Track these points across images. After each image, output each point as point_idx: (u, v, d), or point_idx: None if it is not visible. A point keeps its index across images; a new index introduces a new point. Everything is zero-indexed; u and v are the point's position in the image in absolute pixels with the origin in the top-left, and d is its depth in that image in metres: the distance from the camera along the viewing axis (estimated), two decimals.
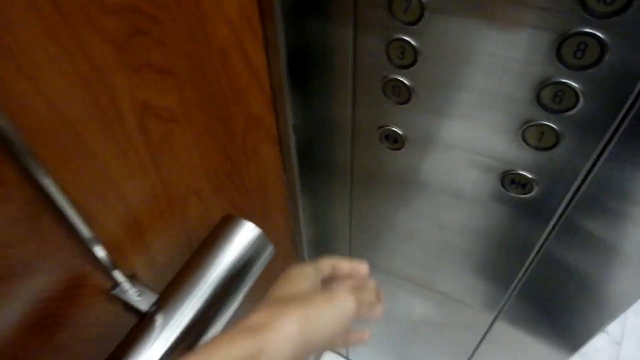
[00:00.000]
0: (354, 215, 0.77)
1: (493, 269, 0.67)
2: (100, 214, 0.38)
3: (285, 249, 0.87)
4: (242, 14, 0.46)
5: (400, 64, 0.49)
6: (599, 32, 0.37)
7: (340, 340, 0.42)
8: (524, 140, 0.48)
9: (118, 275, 0.40)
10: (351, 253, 0.89)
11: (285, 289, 0.36)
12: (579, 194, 0.49)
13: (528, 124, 0.46)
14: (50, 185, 0.31)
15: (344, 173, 0.69)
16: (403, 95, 0.52)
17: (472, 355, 0.90)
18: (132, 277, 0.44)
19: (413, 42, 0.47)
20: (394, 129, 0.57)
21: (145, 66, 0.37)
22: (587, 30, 0.37)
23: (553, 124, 0.45)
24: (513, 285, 0.66)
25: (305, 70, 0.58)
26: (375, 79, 0.53)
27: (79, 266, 0.38)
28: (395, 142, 0.58)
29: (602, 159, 0.45)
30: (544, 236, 0.57)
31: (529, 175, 0.51)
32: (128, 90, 0.36)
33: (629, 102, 0.40)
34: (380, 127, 0.58)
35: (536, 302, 0.67)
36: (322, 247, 0.93)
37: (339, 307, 0.33)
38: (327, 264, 0.41)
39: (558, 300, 0.64)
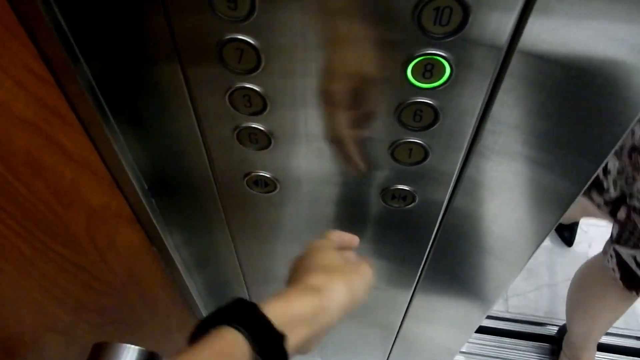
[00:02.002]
0: (243, 260, 0.71)
1: (397, 264, 0.67)
2: None
3: (182, 314, 0.79)
4: (40, 108, 0.36)
5: (250, 111, 0.44)
6: (442, 52, 0.36)
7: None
8: (394, 158, 0.46)
9: None
10: (249, 292, 0.83)
11: (320, 258, 0.43)
12: (455, 195, 0.50)
13: (395, 144, 0.45)
14: None
15: (221, 227, 0.63)
16: (262, 142, 0.47)
17: (397, 333, 0.89)
18: None
19: (257, 89, 0.42)
20: (261, 174, 0.52)
21: None
22: (431, 51, 0.36)
23: (419, 140, 0.44)
24: (420, 266, 0.66)
25: (144, 132, 0.49)
26: (226, 129, 0.47)
27: None
28: (267, 185, 0.54)
29: (468, 162, 0.46)
30: (435, 227, 0.57)
31: (407, 188, 0.50)
32: None
33: (480, 111, 0.40)
34: (247, 174, 0.53)
35: (447, 271, 0.67)
36: (221, 294, 0.86)
37: (366, 275, 0.45)
38: (336, 235, 0.49)
39: (465, 266, 0.64)
